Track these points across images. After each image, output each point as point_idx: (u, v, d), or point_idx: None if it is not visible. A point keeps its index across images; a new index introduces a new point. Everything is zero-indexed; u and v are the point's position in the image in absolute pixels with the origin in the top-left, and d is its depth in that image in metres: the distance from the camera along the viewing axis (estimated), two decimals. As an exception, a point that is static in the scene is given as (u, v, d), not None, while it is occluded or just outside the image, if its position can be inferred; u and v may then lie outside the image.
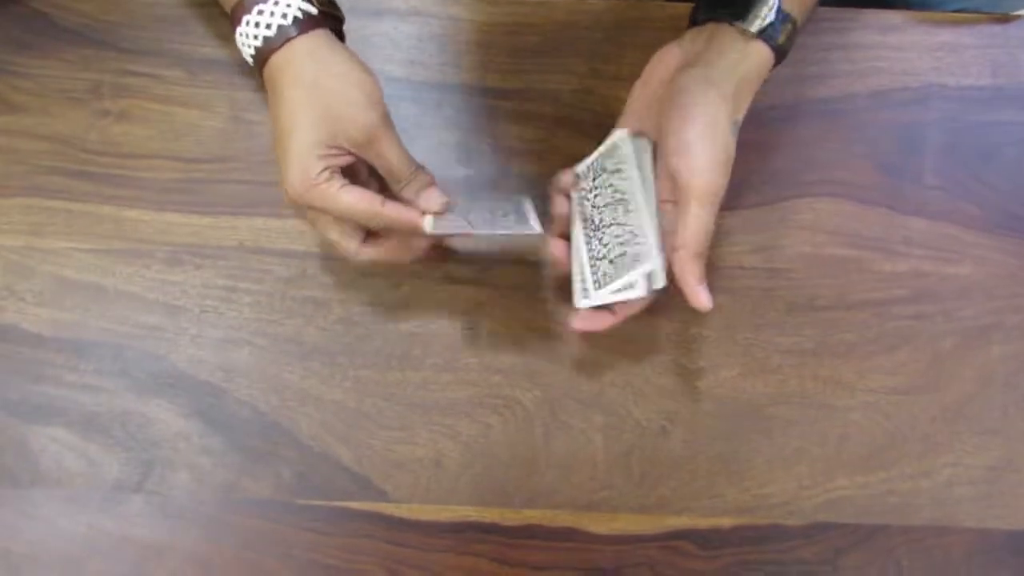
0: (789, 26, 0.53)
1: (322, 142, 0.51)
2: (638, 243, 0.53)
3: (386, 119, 0.52)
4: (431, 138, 0.62)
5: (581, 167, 0.59)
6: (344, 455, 0.58)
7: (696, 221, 0.52)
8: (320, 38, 0.52)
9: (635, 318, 0.57)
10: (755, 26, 0.52)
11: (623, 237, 0.54)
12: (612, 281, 0.53)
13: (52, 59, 0.62)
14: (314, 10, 0.52)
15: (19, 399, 0.58)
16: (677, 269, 0.53)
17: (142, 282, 0.60)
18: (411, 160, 0.53)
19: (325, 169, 0.51)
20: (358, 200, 0.51)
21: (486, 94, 0.63)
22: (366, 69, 0.52)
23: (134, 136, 0.61)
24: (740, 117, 0.54)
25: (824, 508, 0.57)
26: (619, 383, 0.59)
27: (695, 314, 0.59)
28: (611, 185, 0.56)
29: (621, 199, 0.55)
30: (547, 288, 0.60)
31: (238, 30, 0.53)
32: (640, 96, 0.57)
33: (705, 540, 0.57)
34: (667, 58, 0.56)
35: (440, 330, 0.59)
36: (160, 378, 0.58)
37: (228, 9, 0.54)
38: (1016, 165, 0.62)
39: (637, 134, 0.57)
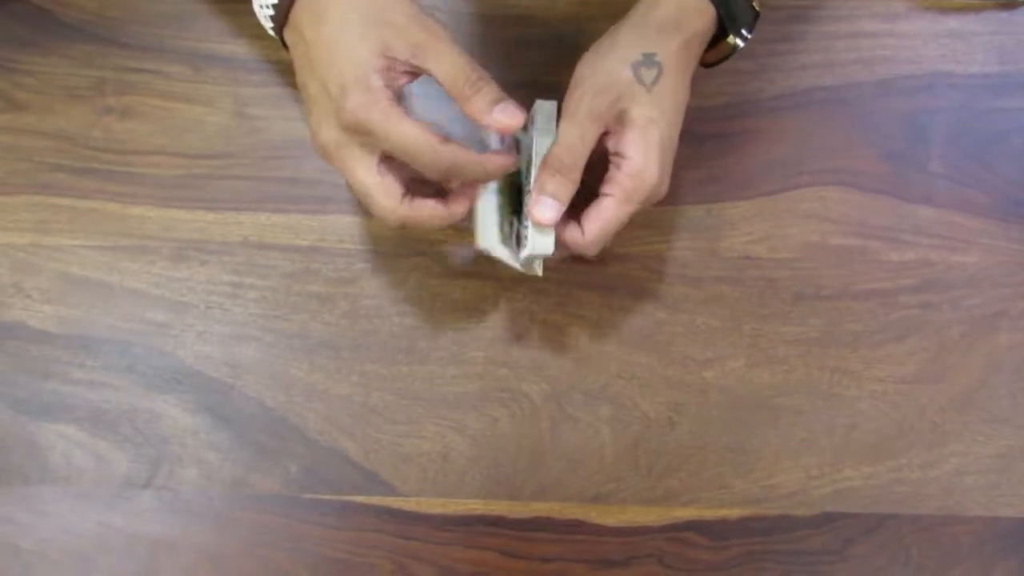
0: None
1: (380, 52, 0.46)
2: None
3: (438, 22, 0.48)
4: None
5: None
6: (351, 449, 0.58)
7: (562, 136, 0.51)
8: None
9: (639, 311, 0.57)
10: None
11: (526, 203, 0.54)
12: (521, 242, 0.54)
13: (55, 56, 0.62)
14: None
15: (27, 397, 0.58)
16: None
17: (148, 278, 0.60)
18: (476, 66, 0.48)
19: (387, 86, 0.47)
20: (422, 131, 0.46)
21: (490, 86, 0.63)
22: None
23: (138, 132, 0.61)
24: (662, 51, 0.51)
25: (832, 498, 0.57)
26: (625, 375, 0.59)
27: (701, 305, 0.59)
28: (527, 146, 0.55)
29: (528, 163, 0.54)
30: (552, 280, 0.60)
31: None
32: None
33: (713, 531, 0.57)
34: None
35: (446, 324, 0.59)
36: (167, 374, 0.59)
37: None
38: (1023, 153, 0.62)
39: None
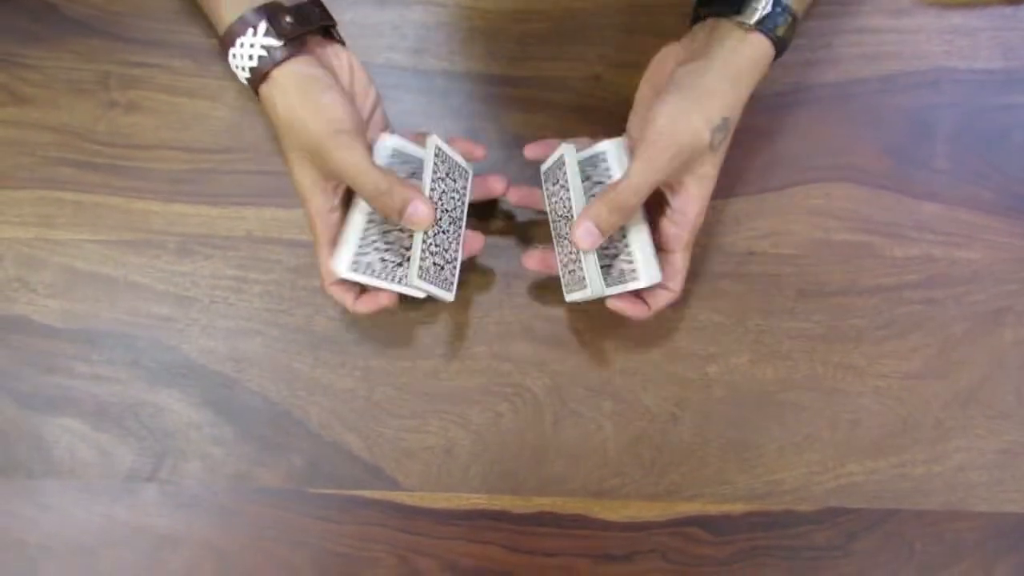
0: (789, 17, 0.53)
1: (317, 180, 0.53)
2: (578, 269, 0.53)
3: (351, 139, 0.51)
4: (438, 127, 0.62)
5: (544, 166, 0.58)
6: (355, 444, 0.58)
7: (634, 177, 0.51)
8: (290, 71, 0.52)
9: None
10: (753, 18, 0.52)
11: (567, 256, 0.55)
12: (571, 293, 0.55)
13: (60, 50, 0.62)
14: (278, 43, 0.52)
15: (31, 390, 0.58)
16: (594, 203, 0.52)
17: (152, 273, 0.60)
18: (383, 176, 0.51)
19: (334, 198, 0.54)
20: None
21: (493, 82, 0.63)
22: (328, 95, 0.52)
23: (142, 127, 0.61)
24: (733, 115, 0.53)
25: (836, 493, 0.57)
26: (628, 370, 0.59)
27: (705, 301, 0.59)
28: (558, 198, 0.56)
29: (566, 215, 0.54)
30: (556, 276, 0.60)
31: (230, 60, 0.54)
32: (644, 97, 0.57)
33: (716, 526, 0.57)
34: (668, 57, 0.56)
35: (449, 319, 0.59)
36: (171, 368, 0.59)
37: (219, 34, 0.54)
38: (1027, 148, 0.62)
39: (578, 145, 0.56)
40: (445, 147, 0.55)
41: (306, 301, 0.59)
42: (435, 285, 0.52)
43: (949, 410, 0.58)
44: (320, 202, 0.53)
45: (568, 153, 0.54)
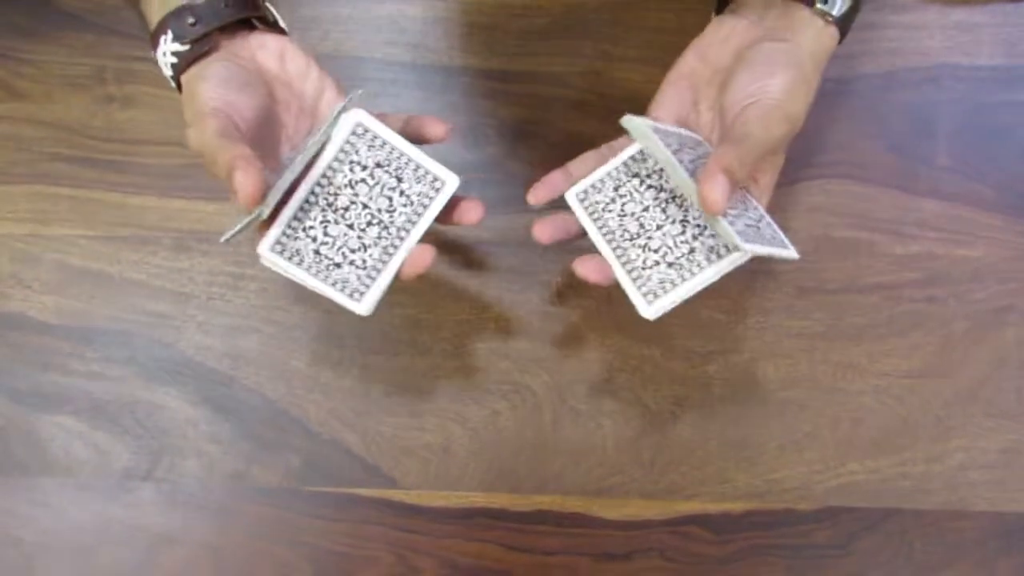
0: (855, 13, 0.51)
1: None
2: (709, 236, 0.49)
3: (205, 117, 0.47)
4: (437, 122, 0.62)
5: (585, 185, 0.52)
6: (353, 442, 0.57)
7: (752, 137, 0.46)
8: (190, 76, 0.49)
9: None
10: (839, 10, 0.50)
11: (687, 234, 0.50)
12: (681, 284, 0.49)
13: (55, 45, 0.61)
14: (183, 47, 0.49)
15: (27, 388, 0.58)
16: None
17: (148, 269, 0.59)
18: (215, 138, 0.46)
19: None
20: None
21: (492, 77, 0.63)
22: (205, 83, 0.48)
23: (138, 122, 0.61)
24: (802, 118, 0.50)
25: (836, 492, 0.57)
26: (628, 368, 0.59)
27: (705, 298, 0.59)
28: (650, 187, 0.51)
29: (671, 197, 0.50)
30: (555, 273, 0.59)
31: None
32: (691, 69, 0.53)
33: (716, 525, 0.57)
34: (729, 32, 0.52)
35: (447, 316, 0.59)
36: (168, 366, 0.58)
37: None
38: (1030, 145, 0.62)
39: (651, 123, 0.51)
40: (384, 132, 0.49)
41: (304, 298, 0.59)
42: (316, 277, 0.47)
43: (950, 409, 0.58)
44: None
45: (639, 129, 0.49)
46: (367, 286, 0.48)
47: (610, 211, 0.51)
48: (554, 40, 0.63)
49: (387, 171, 0.49)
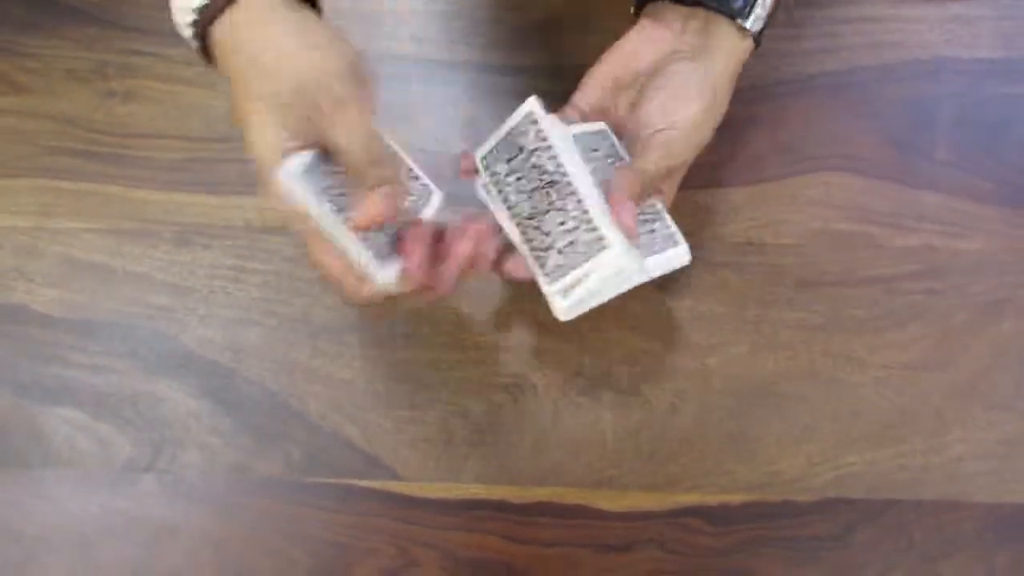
0: (770, 23, 0.52)
1: (280, 142, 0.43)
2: (588, 230, 0.49)
3: (353, 87, 0.43)
4: (438, 116, 0.62)
5: (484, 149, 0.52)
6: (354, 434, 0.58)
7: (652, 163, 0.50)
8: (243, 22, 0.42)
9: (642, 296, 0.56)
10: (755, 25, 0.51)
11: (568, 224, 0.49)
12: (567, 273, 0.49)
13: (57, 39, 0.62)
14: None
15: (29, 380, 0.58)
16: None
17: (150, 262, 0.60)
18: (380, 144, 0.44)
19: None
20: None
21: (493, 71, 0.63)
22: (314, 24, 0.43)
23: (140, 116, 0.61)
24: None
25: (835, 484, 0.57)
26: (628, 361, 0.59)
27: (704, 291, 0.59)
28: (534, 166, 0.50)
29: (552, 181, 0.50)
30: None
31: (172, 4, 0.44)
32: (615, 71, 0.54)
33: (715, 517, 0.57)
34: (650, 40, 0.54)
35: (449, 309, 0.59)
36: (170, 358, 0.59)
37: None
38: (1028, 139, 0.62)
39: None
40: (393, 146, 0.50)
41: (305, 291, 0.59)
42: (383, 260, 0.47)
43: (949, 401, 0.58)
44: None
45: (537, 108, 0.50)
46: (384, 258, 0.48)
47: (508, 184, 0.52)
48: (554, 35, 0.63)
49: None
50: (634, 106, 0.53)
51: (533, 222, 0.51)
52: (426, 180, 0.53)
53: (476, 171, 0.53)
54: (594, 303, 0.52)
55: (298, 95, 0.42)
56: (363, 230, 0.45)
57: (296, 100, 0.42)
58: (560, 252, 0.50)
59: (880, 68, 0.62)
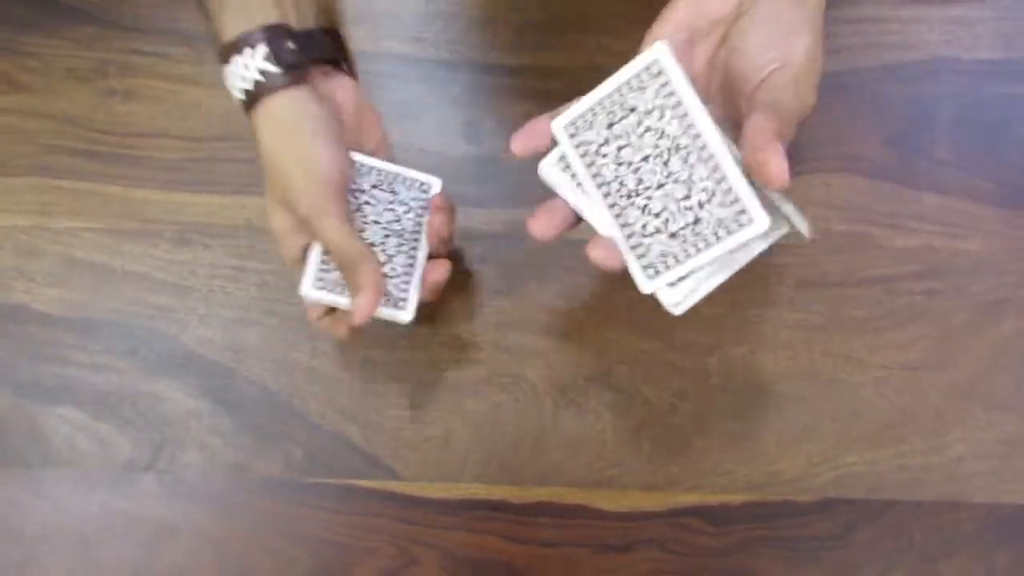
0: None
1: (292, 228, 0.49)
2: (726, 204, 0.41)
3: (328, 201, 0.47)
4: (437, 116, 0.62)
5: (573, 115, 0.45)
6: (354, 434, 0.58)
7: (787, 106, 0.42)
8: (283, 104, 0.47)
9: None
10: None
11: (693, 199, 0.42)
12: (684, 261, 0.43)
13: (57, 38, 0.62)
14: (276, 69, 0.46)
15: (29, 380, 0.58)
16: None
17: (150, 262, 0.60)
18: (356, 248, 0.48)
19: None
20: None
21: (492, 71, 0.63)
22: (316, 140, 0.47)
23: (141, 115, 0.61)
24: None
25: (835, 484, 0.57)
26: (628, 360, 0.59)
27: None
28: (649, 129, 0.43)
29: (675, 146, 0.42)
30: (555, 266, 0.59)
31: (225, 79, 0.49)
32: (688, 18, 0.46)
33: (715, 517, 0.57)
34: None
35: (448, 308, 0.59)
36: (170, 358, 0.59)
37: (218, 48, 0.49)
38: (1028, 139, 0.62)
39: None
40: (372, 161, 0.51)
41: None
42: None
43: (949, 401, 0.58)
44: (293, 242, 0.50)
45: (666, 57, 0.41)
46: (405, 292, 0.51)
47: (604, 155, 0.43)
48: (553, 34, 0.63)
49: (382, 189, 0.52)
50: (723, 56, 0.45)
51: (639, 199, 0.43)
52: (418, 175, 0.53)
53: (547, 146, 0.46)
54: (711, 287, 0.45)
55: (286, 203, 0.48)
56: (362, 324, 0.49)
57: (288, 204, 0.48)
58: (673, 236, 0.43)
59: (880, 68, 0.62)
